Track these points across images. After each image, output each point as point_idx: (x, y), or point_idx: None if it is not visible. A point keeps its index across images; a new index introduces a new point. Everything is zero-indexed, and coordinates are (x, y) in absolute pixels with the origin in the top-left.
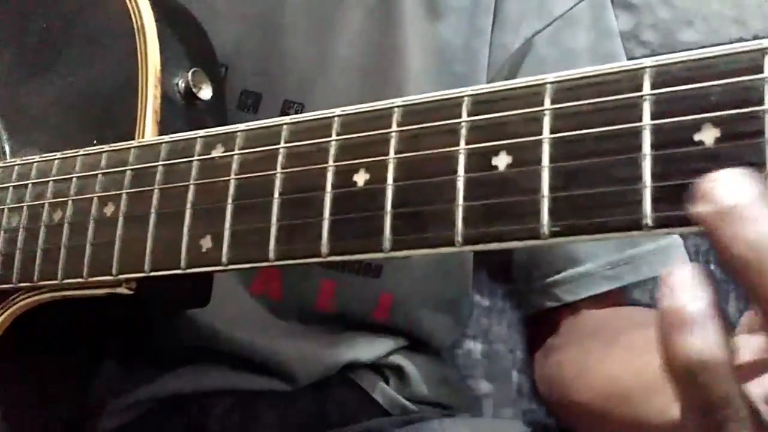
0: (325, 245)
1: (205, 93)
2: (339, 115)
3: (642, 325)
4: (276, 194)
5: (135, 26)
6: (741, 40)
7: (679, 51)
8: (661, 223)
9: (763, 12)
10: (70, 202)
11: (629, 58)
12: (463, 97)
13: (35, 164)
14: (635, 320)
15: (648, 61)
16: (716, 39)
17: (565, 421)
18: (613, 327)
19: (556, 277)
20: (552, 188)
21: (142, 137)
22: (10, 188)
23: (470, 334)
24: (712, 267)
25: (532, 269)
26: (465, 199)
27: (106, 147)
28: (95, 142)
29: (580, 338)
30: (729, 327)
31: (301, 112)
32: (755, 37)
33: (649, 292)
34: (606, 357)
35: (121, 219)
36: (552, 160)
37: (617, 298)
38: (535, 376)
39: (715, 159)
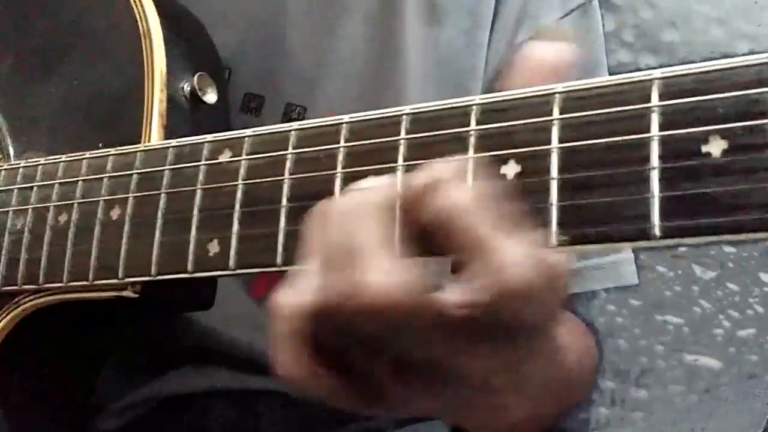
0: None
1: (210, 97)
2: (347, 122)
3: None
4: (284, 200)
5: (141, 30)
6: (723, 40)
7: (662, 51)
8: (669, 234)
9: (744, 12)
10: (75, 205)
11: (611, 59)
12: (471, 105)
13: (40, 167)
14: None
15: (656, 73)
16: (698, 39)
17: None
18: None
19: None
20: (560, 198)
21: (148, 141)
22: (15, 190)
23: None
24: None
25: None
26: None
27: (112, 150)
28: (101, 145)
29: None
30: None
31: (303, 115)
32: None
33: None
34: None
35: (127, 222)
36: (560, 169)
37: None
38: None
39: (723, 171)
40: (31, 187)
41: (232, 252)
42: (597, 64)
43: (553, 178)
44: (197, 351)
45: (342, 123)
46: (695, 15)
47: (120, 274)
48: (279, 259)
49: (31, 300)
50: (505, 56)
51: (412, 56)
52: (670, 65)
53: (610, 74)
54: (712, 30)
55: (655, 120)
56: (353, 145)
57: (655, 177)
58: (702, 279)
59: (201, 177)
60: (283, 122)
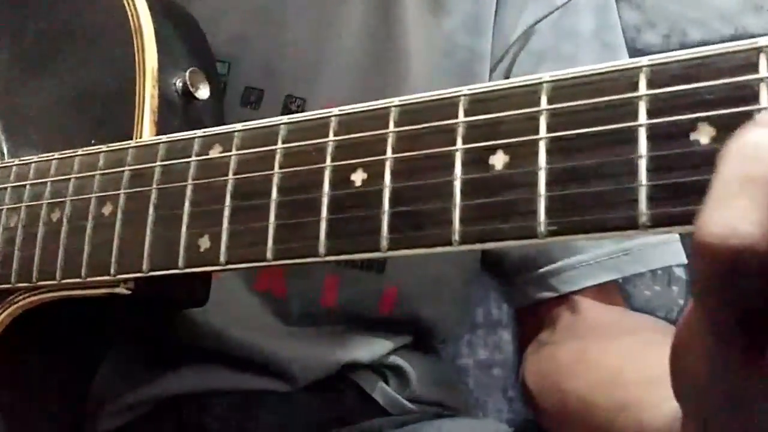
0: (322, 245)
1: (203, 93)
2: (337, 115)
3: (639, 331)
4: (274, 194)
5: (132, 26)
6: (702, 41)
7: (642, 52)
8: (658, 222)
9: (722, 13)
10: (68, 202)
11: None
12: (459, 96)
13: (33, 164)
14: (633, 325)
15: (644, 60)
16: (677, 40)
17: (547, 420)
18: (614, 325)
19: (552, 267)
20: (549, 187)
21: (140, 137)
22: (8, 188)
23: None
24: None
25: (526, 260)
26: (462, 198)
27: (104, 147)
28: (93, 142)
29: (579, 333)
30: None
31: (302, 108)
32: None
33: (644, 287)
34: (608, 349)
35: (119, 219)
36: (549, 159)
37: (613, 291)
38: (523, 370)
39: (711, 158)
40: (24, 185)
41: (223, 247)
42: (614, 46)
43: (541, 168)
44: (196, 351)
45: (331, 116)
46: (675, 16)
47: (112, 271)
48: (269, 254)
49: (25, 298)
50: (512, 37)
51: (414, 45)
52: None
53: None
54: (691, 31)
55: (642, 108)
56: (342, 139)
57: (643, 165)
58: (682, 279)
59: (192, 172)
60: (282, 114)
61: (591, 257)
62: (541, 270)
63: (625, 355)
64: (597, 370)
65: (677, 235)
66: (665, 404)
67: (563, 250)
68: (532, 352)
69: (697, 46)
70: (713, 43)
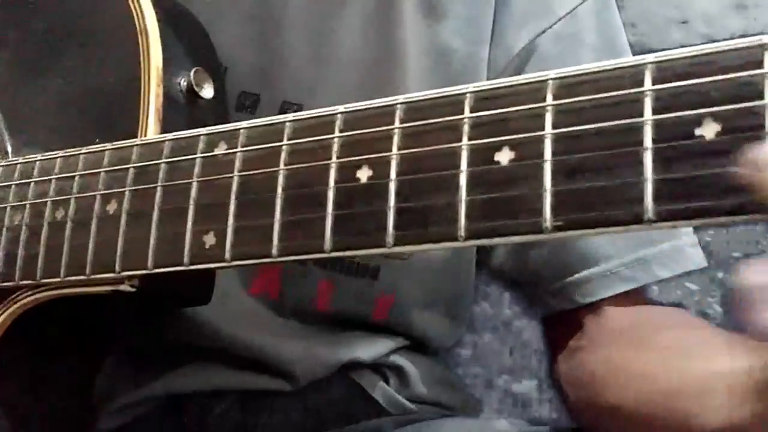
0: (328, 241)
1: (207, 92)
2: (342, 112)
3: (670, 326)
4: (279, 191)
5: (137, 26)
6: (682, 42)
7: None
8: (663, 217)
9: (703, 13)
10: (72, 200)
11: None
12: (465, 93)
13: (38, 163)
14: (661, 321)
15: (649, 57)
16: (659, 40)
17: (589, 423)
18: (639, 327)
19: (571, 279)
20: (554, 183)
21: (145, 136)
22: (13, 186)
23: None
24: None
25: (546, 271)
26: (468, 194)
27: (108, 145)
28: (97, 140)
29: (605, 339)
30: None
31: None
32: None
33: (666, 291)
34: (639, 356)
35: (123, 216)
36: (554, 155)
37: (635, 297)
38: (558, 379)
39: (716, 153)
40: (29, 183)
41: (228, 244)
42: (619, 52)
43: (546, 161)
44: (197, 350)
45: (336, 113)
46: (656, 16)
47: (117, 268)
48: (274, 251)
49: (29, 296)
50: (514, 50)
51: (411, 52)
52: None
53: None
54: (673, 31)
55: (648, 104)
56: (348, 135)
57: (648, 161)
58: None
59: (197, 170)
60: None
61: (607, 268)
62: (561, 282)
63: (660, 361)
64: (633, 381)
65: (692, 240)
66: (721, 413)
67: (581, 262)
68: (564, 359)
69: (679, 46)
70: (694, 44)
